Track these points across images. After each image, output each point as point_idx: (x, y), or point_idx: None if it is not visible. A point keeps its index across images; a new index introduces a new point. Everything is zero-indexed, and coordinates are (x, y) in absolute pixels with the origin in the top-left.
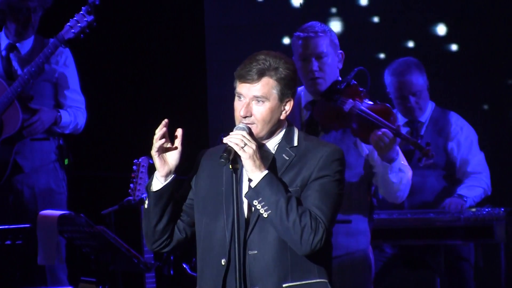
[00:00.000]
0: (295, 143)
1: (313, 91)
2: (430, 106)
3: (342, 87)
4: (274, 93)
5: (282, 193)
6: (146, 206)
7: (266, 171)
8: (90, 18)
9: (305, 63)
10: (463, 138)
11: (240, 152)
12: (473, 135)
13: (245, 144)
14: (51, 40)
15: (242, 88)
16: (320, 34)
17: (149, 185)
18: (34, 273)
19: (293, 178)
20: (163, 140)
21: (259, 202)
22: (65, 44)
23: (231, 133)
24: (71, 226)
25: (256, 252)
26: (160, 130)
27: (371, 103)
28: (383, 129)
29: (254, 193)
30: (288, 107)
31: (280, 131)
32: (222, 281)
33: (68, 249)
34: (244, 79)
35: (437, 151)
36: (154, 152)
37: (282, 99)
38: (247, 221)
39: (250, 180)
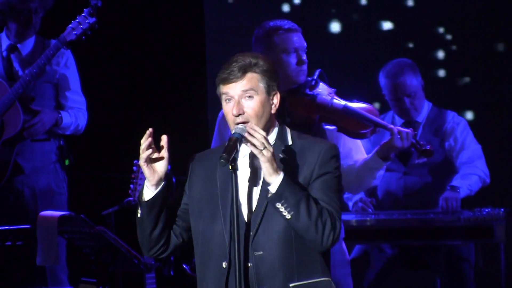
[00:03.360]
0: (290, 142)
1: (295, 82)
2: (426, 106)
3: (316, 84)
4: (261, 86)
5: (300, 193)
6: (139, 215)
7: (282, 173)
8: (92, 20)
9: (290, 55)
10: (459, 133)
11: (259, 155)
12: (468, 130)
13: (264, 147)
14: (53, 41)
15: (229, 89)
16: (299, 29)
17: (140, 194)
18: (34, 273)
19: (293, 178)
20: (150, 150)
21: (282, 205)
22: (67, 46)
23: (252, 132)
24: (71, 227)
25: (261, 253)
26: (146, 140)
27: (350, 101)
28: (409, 132)
29: (277, 196)
30: (276, 100)
31: (273, 130)
32: (224, 283)
33: (69, 250)
34: (228, 80)
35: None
36: (142, 163)
37: (269, 91)
38: (247, 222)
39: (267, 184)
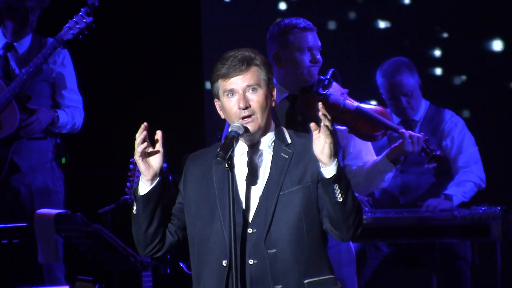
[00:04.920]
0: (289, 141)
1: (308, 80)
2: (424, 105)
3: (329, 84)
4: (263, 79)
5: (348, 179)
6: (134, 211)
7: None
8: (89, 19)
9: (304, 54)
10: (457, 133)
11: (328, 136)
12: (466, 131)
13: (333, 129)
14: (49, 40)
15: (233, 83)
16: (314, 28)
17: (136, 190)
18: (31, 272)
19: (301, 175)
20: (145, 144)
21: (338, 187)
22: (64, 45)
23: (324, 111)
24: (68, 225)
25: (275, 250)
26: (141, 134)
27: (362, 103)
28: (420, 136)
29: (338, 177)
30: (274, 94)
31: (270, 129)
32: (225, 282)
33: (65, 248)
34: (230, 74)
35: None
36: (137, 157)
37: (269, 85)
38: (247, 220)
39: (318, 166)
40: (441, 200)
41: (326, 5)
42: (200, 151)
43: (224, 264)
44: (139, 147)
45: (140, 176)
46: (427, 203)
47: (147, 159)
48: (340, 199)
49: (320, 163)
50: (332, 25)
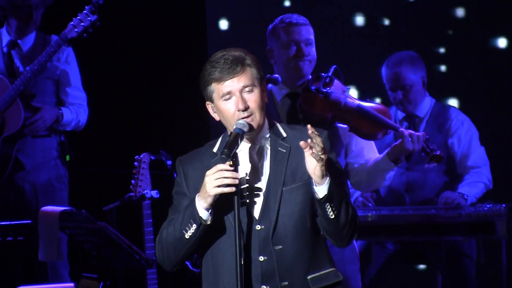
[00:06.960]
0: (284, 134)
1: (294, 75)
2: (428, 102)
3: (331, 82)
4: (256, 78)
5: (341, 193)
6: (187, 236)
7: (329, 175)
8: (93, 17)
9: (289, 49)
10: (464, 133)
11: (317, 159)
12: (473, 130)
13: (323, 152)
14: (54, 38)
15: (229, 86)
16: (306, 22)
17: (199, 217)
18: (35, 269)
19: (301, 170)
20: (234, 189)
21: (330, 205)
22: (68, 43)
23: (314, 136)
24: (73, 222)
25: (281, 247)
26: (232, 168)
27: (363, 101)
28: (420, 135)
29: (329, 197)
30: (266, 90)
31: (265, 124)
32: (245, 279)
33: (70, 246)
34: (226, 77)
35: (438, 146)
36: (215, 192)
37: (261, 82)
38: (253, 216)
39: (313, 184)
40: (458, 195)
41: (331, 2)
42: (192, 153)
43: (242, 262)
44: (227, 189)
45: (199, 203)
46: (444, 194)
47: None
48: (332, 216)
49: (313, 180)
50: (336, 22)
